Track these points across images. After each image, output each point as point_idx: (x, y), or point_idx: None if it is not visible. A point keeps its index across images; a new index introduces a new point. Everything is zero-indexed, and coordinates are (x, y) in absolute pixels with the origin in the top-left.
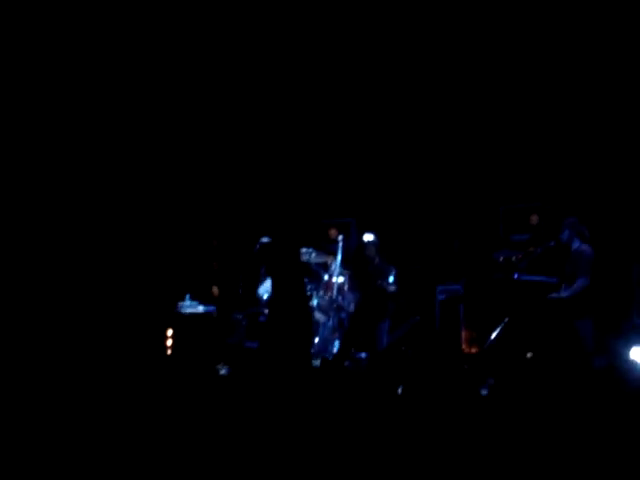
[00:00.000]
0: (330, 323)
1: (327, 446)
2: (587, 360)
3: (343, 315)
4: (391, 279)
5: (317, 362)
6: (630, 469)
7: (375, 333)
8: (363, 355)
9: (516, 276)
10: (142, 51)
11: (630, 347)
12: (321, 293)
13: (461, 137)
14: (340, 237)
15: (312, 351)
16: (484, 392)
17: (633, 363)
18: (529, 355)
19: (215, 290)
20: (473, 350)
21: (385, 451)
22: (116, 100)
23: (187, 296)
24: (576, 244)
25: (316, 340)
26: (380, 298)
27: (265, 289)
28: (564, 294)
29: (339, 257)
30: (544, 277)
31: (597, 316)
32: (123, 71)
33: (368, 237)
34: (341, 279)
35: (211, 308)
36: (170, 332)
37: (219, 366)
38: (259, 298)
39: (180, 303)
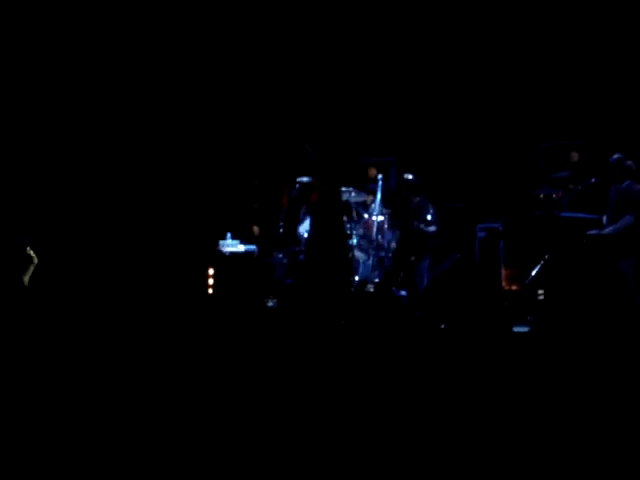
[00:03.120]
0: (370, 262)
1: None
2: (630, 298)
3: (383, 254)
4: (430, 218)
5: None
6: None
7: (415, 272)
8: (403, 293)
9: (557, 213)
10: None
11: None
12: (361, 232)
13: (503, 74)
14: (380, 176)
15: (352, 290)
16: (523, 329)
17: None
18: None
19: (256, 229)
20: (513, 288)
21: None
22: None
23: (228, 235)
24: (626, 182)
25: (356, 278)
26: (420, 237)
27: (305, 228)
28: (607, 231)
29: (379, 196)
30: (585, 214)
31: None
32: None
33: (407, 176)
34: (381, 218)
35: (252, 247)
36: (211, 271)
37: (267, 300)
38: (299, 237)
39: (221, 242)
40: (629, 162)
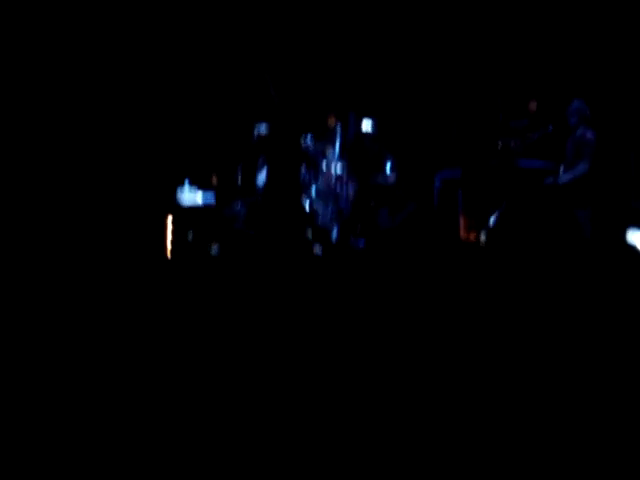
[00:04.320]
0: (328, 211)
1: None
2: (585, 246)
3: (342, 203)
4: (388, 167)
5: (317, 249)
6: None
7: (373, 220)
8: (361, 242)
9: (514, 162)
10: None
11: (627, 231)
12: (319, 181)
13: (460, 23)
14: (338, 125)
15: (313, 236)
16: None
17: (630, 246)
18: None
19: (214, 178)
20: (471, 236)
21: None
22: None
23: (186, 180)
24: (581, 129)
25: (316, 226)
26: (378, 187)
27: (263, 177)
28: (563, 179)
29: (337, 145)
30: (542, 162)
31: (596, 202)
32: None
33: (366, 125)
34: (339, 168)
35: (210, 196)
36: (170, 219)
37: (211, 246)
38: (258, 187)
39: (179, 190)
40: (581, 108)
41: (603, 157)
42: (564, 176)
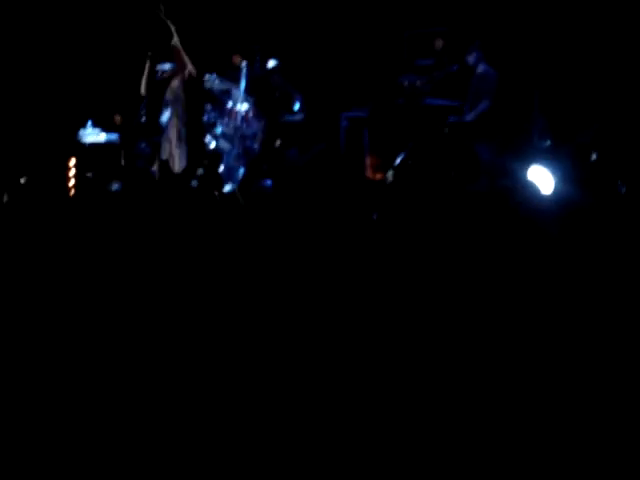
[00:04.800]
0: (235, 151)
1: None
2: (487, 182)
3: (248, 143)
4: (296, 106)
5: (226, 188)
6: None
7: (281, 159)
8: (269, 182)
9: (420, 100)
10: None
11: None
12: (225, 121)
13: None
14: (244, 63)
15: (220, 175)
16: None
17: (530, 183)
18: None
19: (118, 118)
20: (377, 176)
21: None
22: None
23: (89, 122)
24: (481, 67)
25: (221, 168)
26: (286, 126)
27: (167, 117)
28: (467, 117)
29: (243, 84)
30: (447, 101)
31: (499, 139)
32: None
33: (272, 63)
34: (245, 107)
35: (113, 136)
36: (73, 161)
37: (111, 183)
38: (162, 126)
39: (82, 130)
40: (481, 47)
41: (506, 94)
42: (468, 114)
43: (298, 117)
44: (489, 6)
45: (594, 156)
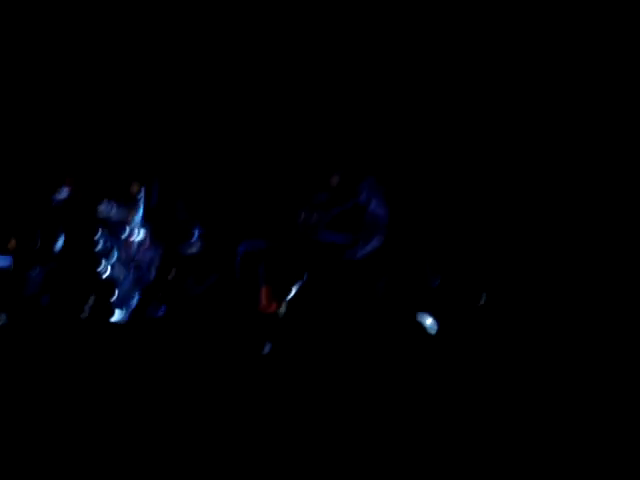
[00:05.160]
0: (130, 277)
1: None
2: (380, 315)
3: (143, 272)
4: (195, 236)
5: (119, 315)
6: None
7: (176, 288)
8: (162, 309)
9: (316, 235)
10: None
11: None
12: (121, 248)
13: (271, 99)
14: (141, 192)
15: (112, 304)
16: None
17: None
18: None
19: (12, 242)
20: (271, 308)
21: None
22: None
23: None
24: (373, 204)
25: (116, 294)
26: (183, 255)
27: (61, 244)
28: (360, 253)
29: (140, 212)
30: (342, 236)
31: (391, 275)
32: None
33: (172, 193)
34: (142, 234)
35: (7, 261)
36: None
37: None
38: (56, 252)
39: None
40: (372, 185)
41: (397, 231)
42: (362, 249)
43: (195, 246)
44: (381, 146)
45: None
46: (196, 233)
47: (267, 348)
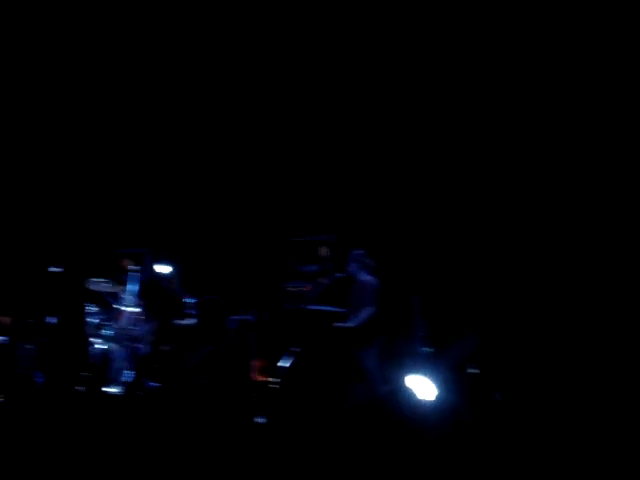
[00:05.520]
0: (123, 353)
1: None
2: (370, 388)
3: (138, 345)
4: (188, 309)
5: (112, 390)
6: None
7: (170, 361)
8: (155, 384)
9: (305, 306)
10: None
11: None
12: (113, 323)
13: (251, 170)
14: (132, 267)
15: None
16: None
17: (408, 390)
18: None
19: (7, 320)
20: (262, 379)
21: None
22: None
23: None
24: (362, 276)
25: (109, 370)
26: (176, 329)
27: (54, 319)
28: (350, 324)
29: (129, 287)
30: (332, 307)
31: (382, 345)
32: None
33: (164, 268)
34: (135, 309)
35: (2, 339)
36: None
37: None
38: (49, 327)
39: None
40: (361, 256)
41: (387, 301)
42: (351, 321)
43: (190, 321)
44: (369, 217)
45: (473, 369)
46: (190, 305)
47: (261, 419)
